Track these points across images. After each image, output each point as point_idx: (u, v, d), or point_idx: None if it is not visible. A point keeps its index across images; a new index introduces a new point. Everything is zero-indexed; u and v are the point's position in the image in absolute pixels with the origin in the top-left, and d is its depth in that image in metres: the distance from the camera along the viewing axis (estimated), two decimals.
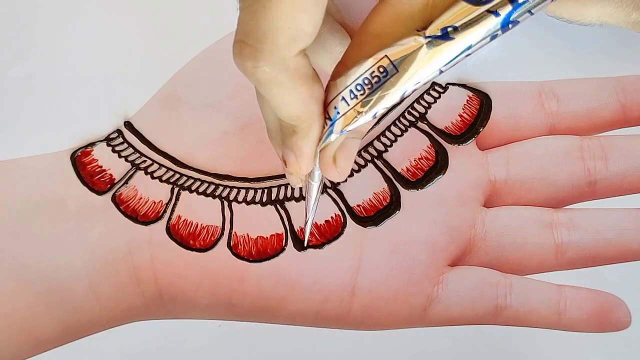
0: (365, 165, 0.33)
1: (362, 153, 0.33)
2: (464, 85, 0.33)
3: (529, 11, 0.22)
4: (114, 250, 0.31)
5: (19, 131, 0.33)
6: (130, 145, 0.33)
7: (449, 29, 0.22)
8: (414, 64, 0.22)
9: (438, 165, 0.32)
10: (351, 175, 0.32)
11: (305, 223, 0.30)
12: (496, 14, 0.22)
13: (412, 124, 0.33)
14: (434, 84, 0.34)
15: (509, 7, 0.21)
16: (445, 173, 0.32)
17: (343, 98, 0.23)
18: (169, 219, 0.32)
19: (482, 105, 0.33)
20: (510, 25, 0.22)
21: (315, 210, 0.29)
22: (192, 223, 0.32)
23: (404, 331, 0.31)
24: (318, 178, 0.27)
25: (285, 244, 0.32)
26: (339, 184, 0.32)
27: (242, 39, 0.22)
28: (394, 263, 0.31)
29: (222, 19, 0.32)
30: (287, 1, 0.21)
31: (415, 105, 0.33)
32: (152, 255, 0.31)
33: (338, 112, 0.23)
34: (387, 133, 0.33)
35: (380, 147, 0.33)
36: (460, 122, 0.33)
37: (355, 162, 0.32)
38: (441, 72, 0.22)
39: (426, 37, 0.22)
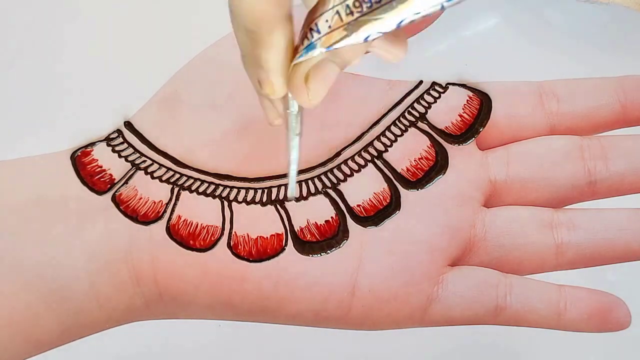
0: (365, 165, 0.32)
1: (362, 153, 0.33)
2: (464, 85, 0.33)
3: None
4: (114, 250, 0.31)
5: (19, 131, 0.33)
6: (130, 145, 0.33)
7: None
8: None
9: (438, 165, 0.32)
10: (351, 175, 0.32)
11: (289, 165, 0.28)
12: None
13: (412, 124, 0.33)
14: (434, 84, 0.34)
15: None
16: (445, 173, 0.32)
17: (337, 12, 0.21)
18: (169, 219, 0.32)
19: (482, 105, 0.33)
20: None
21: (299, 150, 0.27)
22: (192, 223, 0.32)
23: (404, 331, 0.31)
24: (295, 106, 0.25)
25: (285, 244, 0.31)
26: (339, 183, 0.32)
27: None
28: (394, 263, 0.31)
29: (222, 19, 0.32)
30: None
31: (415, 105, 0.33)
32: (152, 255, 0.31)
33: (329, 26, 0.21)
34: (387, 133, 0.33)
35: (380, 147, 0.33)
36: (460, 122, 0.33)
37: (355, 162, 0.32)
38: (443, 7, 0.21)
39: None
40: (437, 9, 0.21)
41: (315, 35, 0.21)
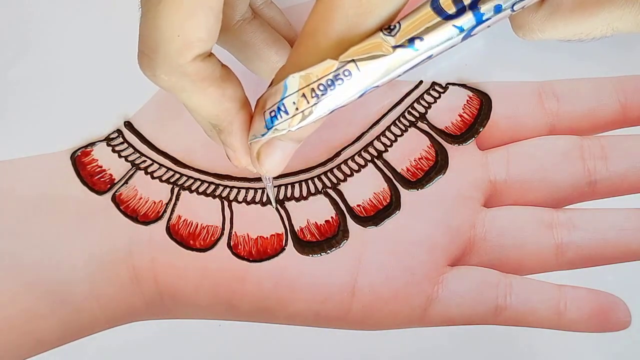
0: (365, 165, 0.33)
1: (362, 153, 0.33)
2: (464, 85, 0.33)
3: (488, 25, 0.22)
4: (114, 250, 0.31)
5: (19, 131, 0.33)
6: (130, 145, 0.33)
7: (416, 40, 0.22)
8: (377, 69, 0.22)
9: (438, 165, 0.32)
10: (351, 175, 0.32)
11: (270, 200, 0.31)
12: (460, 29, 0.22)
13: (412, 124, 0.33)
14: (434, 84, 0.34)
15: (472, 23, 0.22)
16: (445, 173, 0.32)
17: (303, 94, 0.22)
18: (169, 219, 0.32)
19: (482, 105, 0.33)
20: (469, 37, 0.23)
21: (274, 194, 0.30)
22: (192, 223, 0.32)
23: (404, 331, 0.31)
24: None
25: (285, 244, 0.32)
26: (339, 183, 0.32)
27: (140, 49, 0.22)
28: (394, 263, 0.31)
29: None
30: (173, 10, 0.21)
31: (415, 105, 0.33)
32: (152, 256, 0.31)
33: (296, 108, 0.23)
34: (387, 133, 0.33)
35: (380, 147, 0.33)
36: (460, 122, 0.33)
37: (355, 162, 0.33)
38: (399, 76, 0.23)
39: (394, 47, 0.22)
40: (395, 77, 0.23)
41: (284, 115, 0.23)
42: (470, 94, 0.33)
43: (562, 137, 0.33)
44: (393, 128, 0.33)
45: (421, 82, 0.34)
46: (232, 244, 0.32)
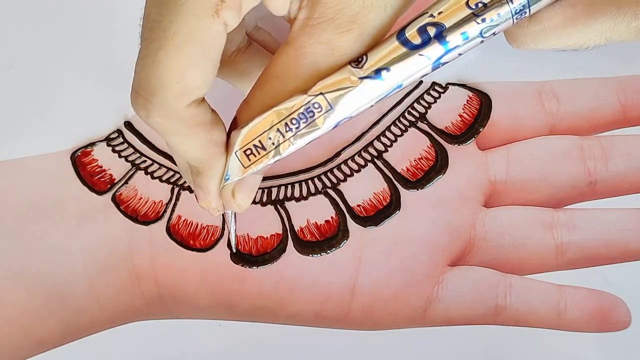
0: (365, 165, 0.33)
1: (362, 153, 0.33)
2: (464, 85, 0.33)
3: (459, 53, 0.23)
4: (114, 250, 0.31)
5: (19, 131, 0.33)
6: (130, 145, 0.33)
7: (383, 71, 0.23)
8: (347, 101, 0.23)
9: (438, 165, 0.32)
10: (351, 175, 0.32)
11: (229, 239, 0.31)
12: (428, 57, 0.23)
13: (412, 124, 0.33)
14: (434, 84, 0.34)
15: (441, 52, 0.23)
16: (445, 173, 0.32)
17: (278, 130, 0.23)
18: (169, 219, 0.32)
19: (482, 105, 0.33)
20: (440, 66, 0.23)
21: (235, 233, 0.31)
22: (192, 223, 0.32)
23: (404, 331, 0.31)
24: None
25: (286, 244, 0.32)
26: (339, 183, 0.32)
27: (136, 89, 0.23)
28: (394, 263, 0.31)
29: None
30: (174, 57, 0.21)
31: (415, 105, 0.33)
32: (152, 256, 0.31)
33: (273, 143, 0.24)
34: (387, 133, 0.33)
35: (380, 147, 0.33)
36: (460, 122, 0.33)
37: (355, 162, 0.33)
38: (371, 106, 0.24)
39: (360, 78, 0.23)
40: (367, 108, 0.23)
41: (261, 151, 0.24)
42: (470, 94, 0.33)
43: (562, 137, 0.33)
44: (393, 128, 0.33)
45: (421, 82, 0.34)
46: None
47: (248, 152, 0.24)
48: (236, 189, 0.25)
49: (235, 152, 0.24)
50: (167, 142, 0.24)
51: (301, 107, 0.23)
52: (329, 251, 0.31)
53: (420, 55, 0.23)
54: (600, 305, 0.31)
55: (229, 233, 0.31)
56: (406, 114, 0.33)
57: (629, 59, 0.33)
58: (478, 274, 0.31)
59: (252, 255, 0.31)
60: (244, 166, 0.24)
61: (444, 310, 0.31)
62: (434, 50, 0.23)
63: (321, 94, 0.23)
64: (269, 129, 0.23)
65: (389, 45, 0.23)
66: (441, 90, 0.33)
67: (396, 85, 0.23)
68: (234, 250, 0.31)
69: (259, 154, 0.24)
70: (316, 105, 0.23)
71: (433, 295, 0.31)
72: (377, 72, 0.23)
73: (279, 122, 0.23)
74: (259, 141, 0.23)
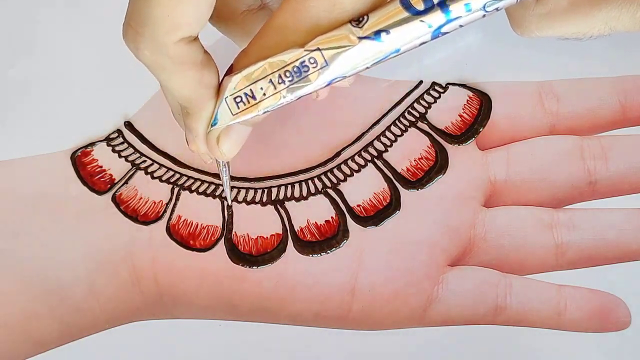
0: (365, 165, 0.33)
1: (362, 153, 0.33)
2: (464, 85, 0.33)
3: (460, 25, 0.23)
4: (114, 250, 0.31)
5: (19, 131, 0.33)
6: (130, 145, 0.33)
7: (382, 33, 0.22)
8: (344, 59, 0.23)
9: (438, 165, 0.32)
10: (351, 175, 0.32)
11: (225, 198, 0.31)
12: (429, 25, 0.23)
13: (412, 124, 0.33)
14: (434, 84, 0.34)
15: (442, 20, 0.22)
16: (445, 173, 0.32)
17: (270, 81, 0.23)
18: (169, 219, 0.32)
19: (482, 105, 0.33)
20: (440, 35, 0.23)
21: (230, 187, 0.30)
22: (192, 223, 0.32)
23: (404, 331, 0.31)
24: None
25: (286, 244, 0.32)
26: (339, 183, 0.32)
27: (127, 21, 0.23)
28: (394, 263, 0.31)
29: None
30: None
31: (415, 105, 0.33)
32: (152, 256, 0.31)
33: (264, 94, 0.23)
34: (387, 133, 0.33)
35: (380, 147, 0.33)
36: (460, 122, 0.33)
37: (355, 162, 0.33)
38: (367, 68, 0.23)
39: (359, 38, 0.22)
40: (362, 70, 0.23)
41: (251, 100, 0.23)
42: (470, 94, 0.33)
43: (562, 137, 0.33)
44: (393, 128, 0.33)
45: (421, 82, 0.34)
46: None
47: (238, 99, 0.24)
48: (221, 136, 0.25)
49: (225, 98, 0.24)
50: (156, 78, 0.24)
51: (297, 60, 0.23)
52: (329, 251, 0.31)
53: (422, 21, 0.22)
54: (600, 305, 0.31)
55: (223, 185, 0.31)
56: (406, 114, 0.33)
57: (629, 59, 0.33)
58: (478, 274, 0.31)
59: (252, 255, 0.31)
60: (232, 113, 0.24)
61: (444, 310, 0.31)
62: (436, 17, 0.22)
63: (318, 49, 0.23)
64: (262, 78, 0.23)
65: (391, 7, 0.23)
66: (441, 90, 0.33)
67: (394, 49, 0.23)
68: (230, 204, 0.31)
69: (249, 102, 0.23)
70: (312, 61, 0.23)
71: (433, 295, 0.31)
72: (377, 33, 0.22)
73: (272, 73, 0.23)
74: (250, 90, 0.23)
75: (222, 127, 0.24)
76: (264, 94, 0.23)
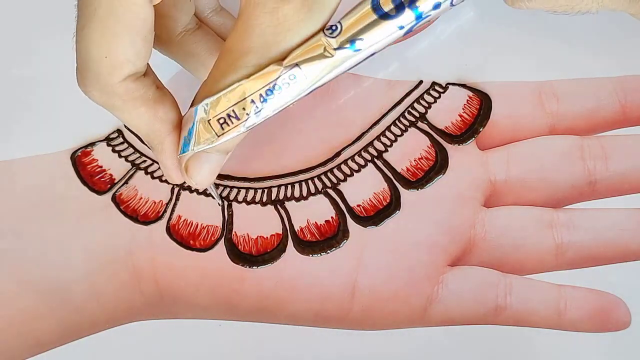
0: (365, 165, 0.33)
1: (362, 153, 0.33)
2: (464, 85, 0.33)
3: (429, 20, 0.23)
4: (114, 250, 0.31)
5: (19, 131, 0.33)
6: (130, 145, 0.33)
7: (357, 41, 0.23)
8: (321, 71, 0.23)
9: (438, 165, 0.32)
10: (351, 175, 0.32)
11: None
12: (400, 27, 0.23)
13: (412, 124, 0.33)
14: (434, 84, 0.34)
15: (411, 20, 0.23)
16: (445, 173, 0.32)
17: (242, 108, 0.23)
18: (169, 219, 0.32)
19: (482, 105, 0.33)
20: (410, 33, 0.24)
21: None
22: (192, 223, 0.32)
23: (404, 331, 0.31)
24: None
25: (286, 244, 0.32)
26: (339, 183, 0.32)
27: (76, 66, 0.23)
28: (394, 263, 0.31)
29: None
30: (99, 32, 0.22)
31: (415, 105, 0.33)
32: (152, 256, 0.31)
33: (230, 121, 0.24)
34: (387, 133, 0.33)
35: (380, 147, 0.33)
36: (460, 122, 0.33)
37: (355, 162, 0.33)
38: (343, 72, 0.24)
39: (335, 49, 0.23)
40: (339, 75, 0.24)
41: (235, 121, 0.24)
42: (470, 94, 0.33)
43: (562, 137, 0.33)
44: (393, 128, 0.33)
45: (421, 82, 0.34)
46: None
47: (221, 120, 0.24)
48: (189, 165, 0.25)
49: (196, 122, 0.24)
50: (114, 115, 0.24)
51: (277, 77, 0.23)
52: (329, 251, 0.31)
53: (393, 23, 0.23)
54: (600, 305, 0.31)
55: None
56: (406, 114, 0.33)
57: (629, 59, 0.33)
58: (478, 273, 0.31)
59: (252, 255, 0.31)
60: (217, 135, 0.24)
61: (444, 310, 0.31)
62: (406, 18, 0.23)
63: (296, 65, 0.23)
64: (243, 100, 0.23)
65: (361, 12, 0.23)
66: (441, 90, 0.33)
67: (370, 53, 0.23)
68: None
69: (232, 123, 0.24)
70: (292, 77, 0.23)
71: (433, 295, 0.31)
72: (352, 42, 0.23)
73: (253, 93, 0.23)
74: (233, 110, 0.24)
75: (185, 156, 0.25)
76: (247, 114, 0.23)
